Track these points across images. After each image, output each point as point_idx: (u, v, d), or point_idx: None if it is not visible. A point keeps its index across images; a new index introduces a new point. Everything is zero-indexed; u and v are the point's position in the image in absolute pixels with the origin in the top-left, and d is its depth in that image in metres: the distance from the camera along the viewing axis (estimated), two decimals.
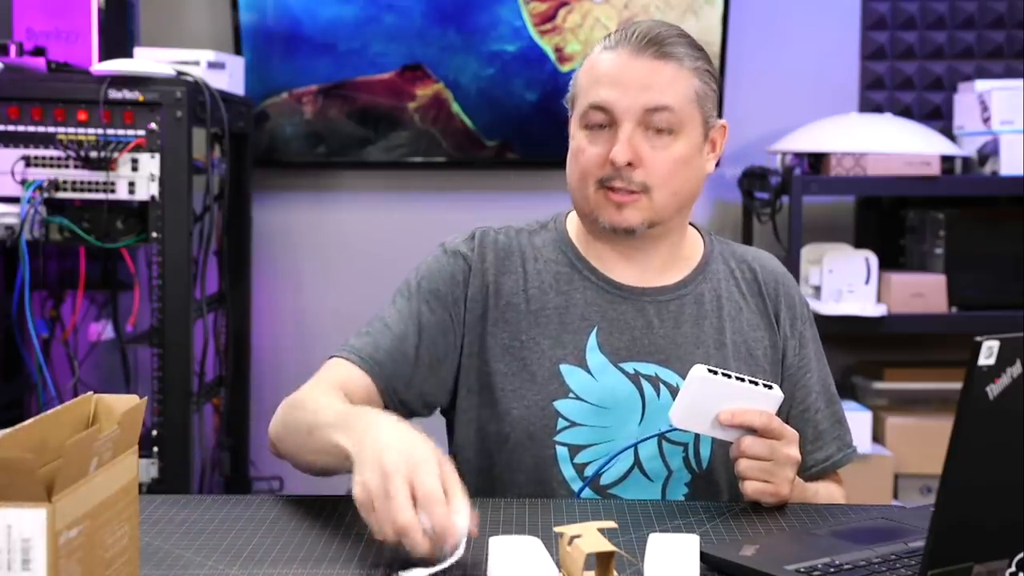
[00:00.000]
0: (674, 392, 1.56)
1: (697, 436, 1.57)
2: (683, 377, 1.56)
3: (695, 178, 1.59)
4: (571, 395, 1.56)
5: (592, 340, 1.58)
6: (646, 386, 1.57)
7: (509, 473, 1.58)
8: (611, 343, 1.58)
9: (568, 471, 1.56)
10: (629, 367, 1.58)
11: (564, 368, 1.57)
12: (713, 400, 1.42)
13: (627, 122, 1.52)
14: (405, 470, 1.20)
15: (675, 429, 1.50)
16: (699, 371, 1.42)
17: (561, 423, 1.56)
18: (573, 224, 1.66)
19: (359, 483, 1.23)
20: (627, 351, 1.58)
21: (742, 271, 1.68)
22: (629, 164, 1.52)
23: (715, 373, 1.42)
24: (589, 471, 1.56)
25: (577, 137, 1.58)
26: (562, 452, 1.56)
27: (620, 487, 1.56)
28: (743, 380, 1.43)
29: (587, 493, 1.55)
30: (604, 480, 1.56)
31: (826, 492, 1.62)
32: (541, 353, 1.57)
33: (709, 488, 1.58)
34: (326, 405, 1.45)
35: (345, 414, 1.38)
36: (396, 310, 1.60)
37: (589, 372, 1.57)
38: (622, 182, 1.53)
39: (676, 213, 1.60)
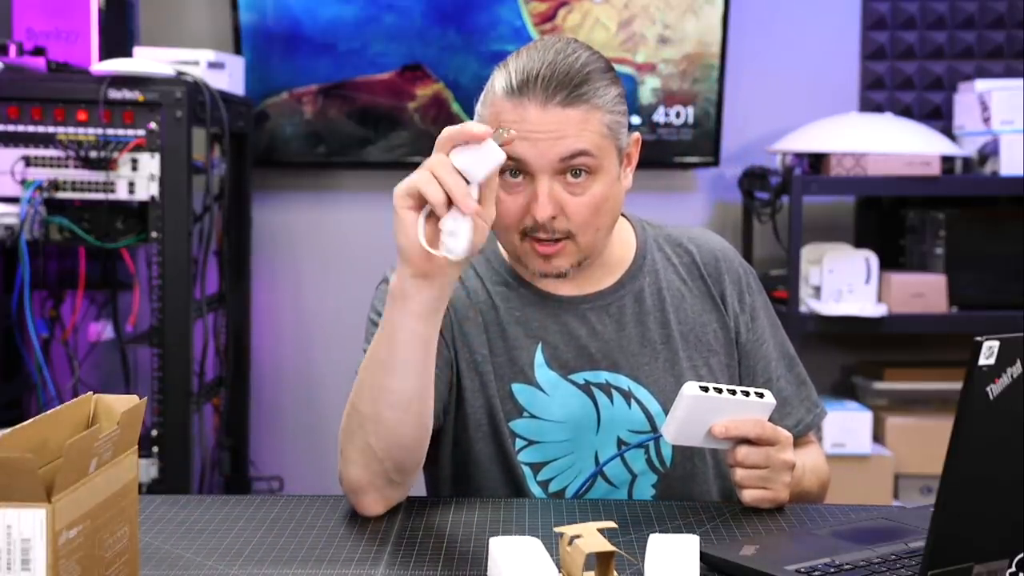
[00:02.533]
0: (627, 396, 1.56)
1: (657, 436, 1.57)
2: (634, 380, 1.56)
3: (617, 205, 1.54)
4: (525, 414, 1.55)
5: (539, 356, 1.56)
6: (599, 395, 1.56)
7: (484, 491, 1.57)
8: (558, 357, 1.57)
9: (535, 489, 1.55)
10: (579, 378, 1.56)
11: (516, 387, 1.56)
12: (705, 415, 1.42)
13: (543, 175, 1.47)
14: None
15: (634, 446, 1.50)
16: (690, 389, 1.41)
17: (519, 443, 1.55)
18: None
19: (406, 192, 1.36)
20: (575, 362, 1.56)
21: (679, 255, 1.65)
22: (552, 217, 1.48)
23: (706, 390, 1.41)
24: (553, 487, 1.55)
25: None
26: (527, 472, 1.55)
27: (585, 498, 1.55)
28: (734, 392, 1.43)
29: None
30: (569, 493, 1.56)
31: (811, 463, 1.61)
32: (493, 372, 1.56)
33: (676, 485, 1.57)
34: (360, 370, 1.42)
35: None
36: None
37: (540, 389, 1.56)
38: (546, 233, 1.49)
39: (604, 243, 1.57)
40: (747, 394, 1.43)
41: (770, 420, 1.46)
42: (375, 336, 1.40)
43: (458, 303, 1.58)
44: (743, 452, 1.43)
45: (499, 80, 1.50)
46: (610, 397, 1.56)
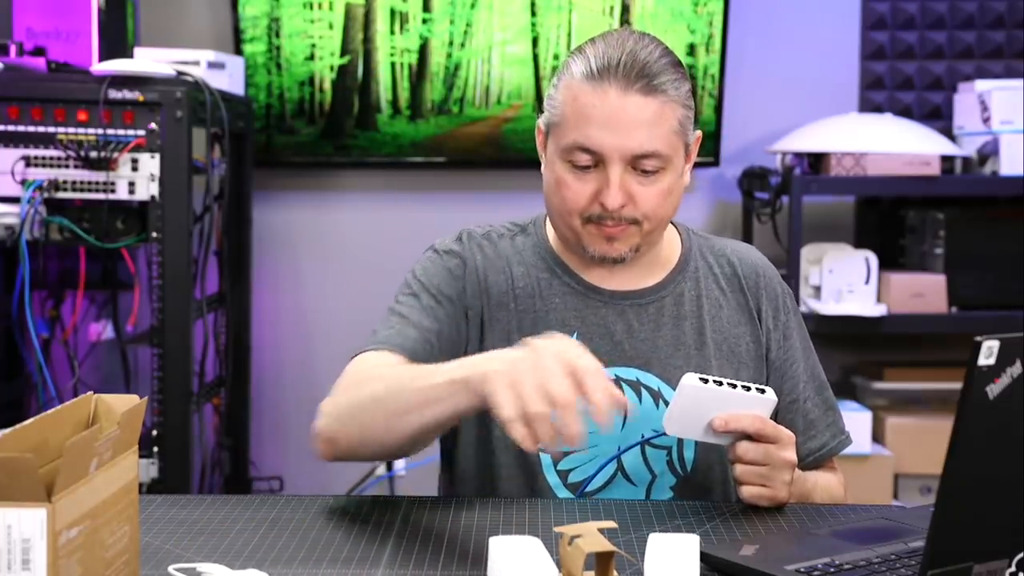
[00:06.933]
0: (655, 396, 1.56)
1: (680, 440, 1.56)
2: (664, 381, 1.56)
3: (678, 198, 1.57)
4: None
5: None
6: (628, 391, 1.56)
7: (500, 480, 1.57)
8: (592, 349, 1.56)
9: (552, 478, 1.55)
10: (610, 373, 1.56)
11: None
12: (705, 407, 1.42)
13: (616, 164, 1.49)
14: (562, 355, 1.21)
15: (659, 435, 1.49)
16: (690, 379, 1.41)
17: None
18: (551, 229, 1.65)
19: (502, 363, 1.23)
20: (608, 357, 1.56)
21: (721, 266, 1.66)
22: (622, 206, 1.51)
23: (706, 381, 1.41)
24: (572, 478, 1.55)
25: (558, 167, 1.54)
26: (546, 459, 1.55)
27: (604, 493, 1.56)
28: (735, 386, 1.42)
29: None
30: (588, 487, 1.56)
31: (824, 483, 1.61)
32: None
33: (695, 491, 1.57)
34: (397, 370, 1.41)
35: (435, 365, 1.36)
36: (406, 306, 1.57)
37: None
38: (612, 220, 1.51)
39: (661, 234, 1.60)
40: (748, 389, 1.43)
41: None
42: (419, 374, 1.36)
43: (494, 289, 1.60)
44: (742, 447, 1.43)
45: (577, 65, 1.52)
46: (639, 395, 1.57)
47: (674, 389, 1.55)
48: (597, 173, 1.51)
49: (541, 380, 1.19)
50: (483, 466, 1.59)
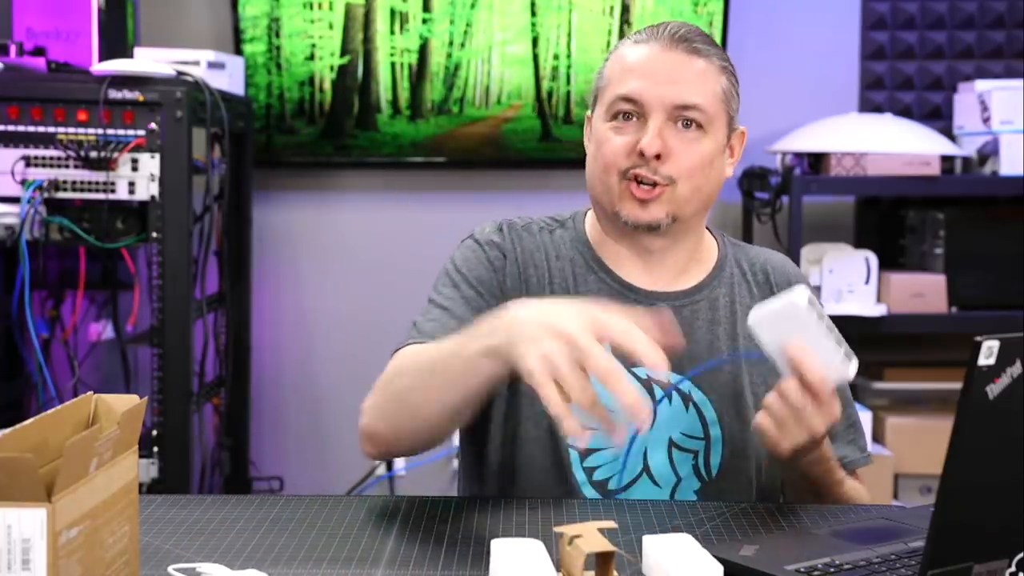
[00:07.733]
0: (686, 399, 1.56)
1: (707, 444, 1.56)
2: (695, 385, 1.56)
3: (716, 179, 1.59)
4: None
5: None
6: (657, 392, 1.56)
7: (529, 471, 1.56)
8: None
9: (579, 475, 1.55)
10: (642, 372, 1.56)
11: None
12: (795, 329, 1.37)
13: (657, 114, 1.52)
14: (591, 329, 1.18)
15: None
16: (801, 297, 1.36)
17: None
18: (590, 223, 1.65)
19: (534, 354, 1.19)
20: None
21: (755, 273, 1.67)
22: (657, 156, 1.51)
23: (813, 306, 1.37)
24: (598, 475, 1.55)
25: (601, 130, 1.56)
26: (574, 455, 1.55)
27: (628, 492, 1.55)
28: (832, 331, 1.37)
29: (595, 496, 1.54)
30: (612, 485, 1.55)
31: (851, 484, 1.58)
32: None
33: (719, 495, 1.56)
34: (429, 347, 1.41)
35: (461, 335, 1.34)
36: (447, 298, 1.57)
37: None
38: (648, 172, 1.52)
39: (696, 211, 1.59)
40: (840, 345, 1.38)
41: None
42: (447, 351, 1.35)
43: (532, 280, 1.59)
44: (787, 386, 1.38)
45: (627, 39, 1.60)
46: (669, 397, 1.56)
47: (704, 394, 1.55)
48: (638, 125, 1.54)
49: (569, 341, 1.18)
50: (510, 465, 1.58)
